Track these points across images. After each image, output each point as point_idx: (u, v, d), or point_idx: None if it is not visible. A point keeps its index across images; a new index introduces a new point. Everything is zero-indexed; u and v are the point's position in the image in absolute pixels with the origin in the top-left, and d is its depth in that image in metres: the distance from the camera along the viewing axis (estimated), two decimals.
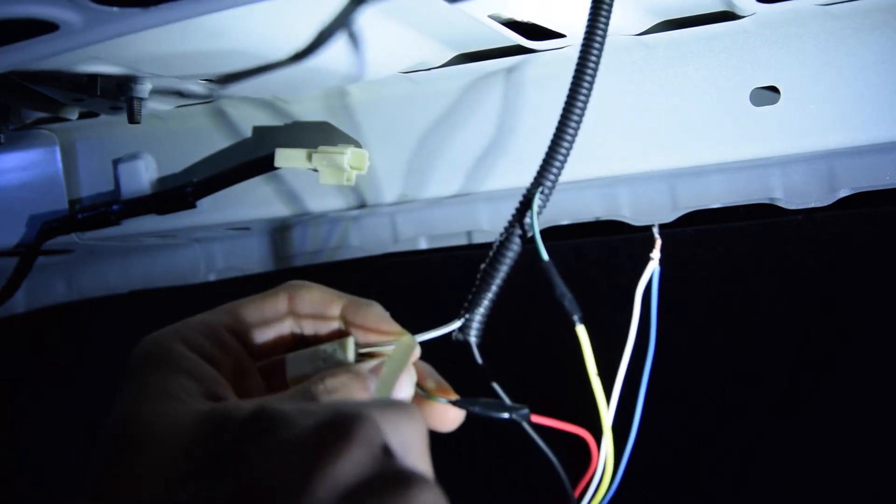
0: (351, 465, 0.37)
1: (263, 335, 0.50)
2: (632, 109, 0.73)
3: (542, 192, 0.50)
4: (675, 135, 0.73)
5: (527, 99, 0.75)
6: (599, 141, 0.74)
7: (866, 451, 0.94)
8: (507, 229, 0.50)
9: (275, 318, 0.50)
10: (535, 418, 0.46)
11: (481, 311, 0.49)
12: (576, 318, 0.46)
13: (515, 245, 0.49)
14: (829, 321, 0.96)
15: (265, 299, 0.50)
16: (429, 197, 0.80)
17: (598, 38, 0.50)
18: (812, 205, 0.81)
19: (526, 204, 0.50)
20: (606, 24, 0.50)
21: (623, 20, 0.68)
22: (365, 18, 0.64)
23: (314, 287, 0.51)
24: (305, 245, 1.01)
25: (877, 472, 0.94)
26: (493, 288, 0.49)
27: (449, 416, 0.48)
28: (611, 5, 0.50)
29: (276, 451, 0.38)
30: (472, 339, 0.48)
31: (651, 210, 0.87)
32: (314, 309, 0.50)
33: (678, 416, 0.98)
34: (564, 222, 0.91)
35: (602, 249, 1.01)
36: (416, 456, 0.41)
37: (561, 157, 0.50)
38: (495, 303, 0.49)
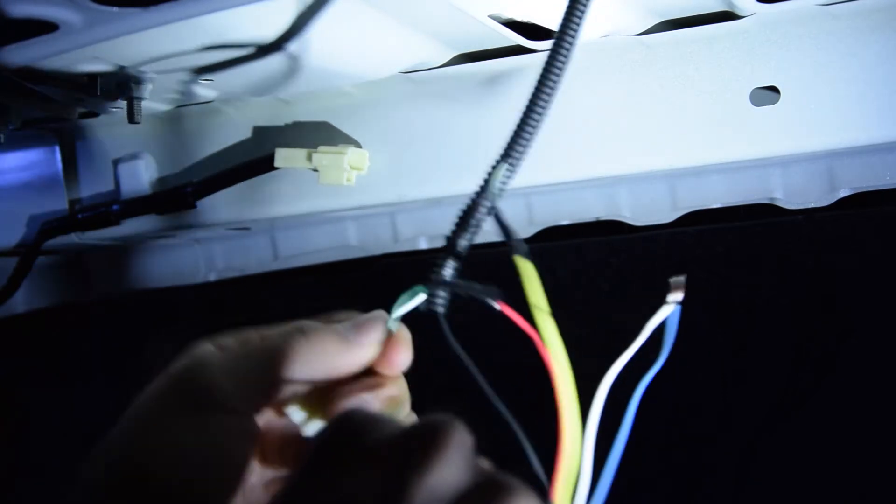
0: (449, 472, 0.35)
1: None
2: (632, 109, 0.73)
3: (509, 162, 0.50)
4: (675, 135, 0.72)
5: (526, 99, 0.75)
6: (599, 141, 0.74)
7: (866, 451, 0.94)
8: (472, 198, 0.50)
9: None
10: (504, 307, 0.45)
11: (447, 278, 0.48)
12: (522, 251, 0.46)
13: (480, 211, 0.49)
14: (829, 321, 0.96)
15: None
16: (429, 197, 0.80)
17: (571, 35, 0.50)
18: (812, 205, 0.81)
19: (492, 174, 0.50)
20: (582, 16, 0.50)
21: (623, 20, 0.68)
22: (365, 18, 0.64)
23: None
24: (305, 245, 1.01)
25: (877, 472, 0.94)
26: (459, 256, 0.49)
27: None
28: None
29: (370, 457, 0.36)
30: (441, 311, 0.48)
31: (651, 210, 0.87)
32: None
33: (678, 415, 0.98)
34: (564, 222, 0.91)
35: (602, 249, 1.01)
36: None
37: (531, 129, 0.50)
38: (462, 272, 0.49)
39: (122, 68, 0.67)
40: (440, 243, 0.98)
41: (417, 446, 0.36)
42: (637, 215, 0.87)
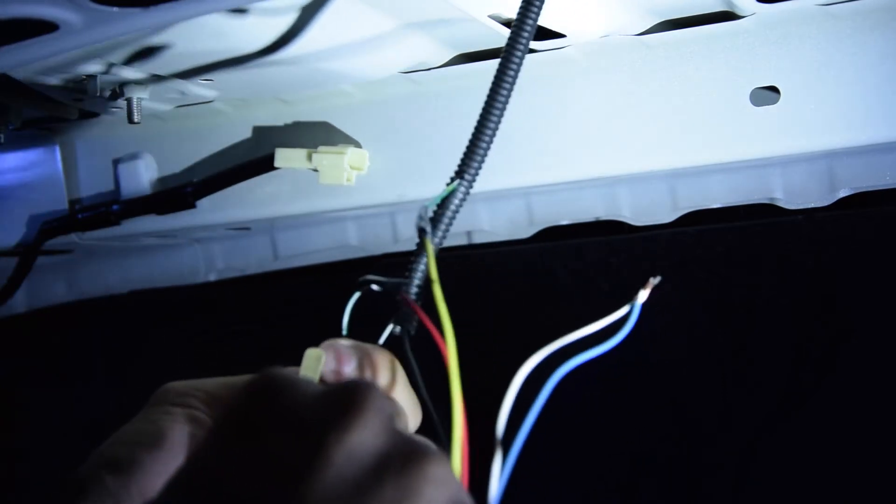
0: (368, 434, 0.35)
1: None
2: (632, 109, 0.73)
3: (461, 184, 0.50)
4: (675, 135, 0.73)
5: (526, 99, 0.75)
6: (599, 141, 0.74)
7: (866, 451, 0.94)
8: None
9: None
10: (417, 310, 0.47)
11: (412, 297, 0.49)
12: (423, 227, 0.48)
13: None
14: (829, 321, 0.96)
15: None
16: (429, 197, 0.80)
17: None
18: (812, 205, 0.81)
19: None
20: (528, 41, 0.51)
21: (623, 20, 0.68)
22: (365, 18, 0.64)
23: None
24: (305, 245, 1.01)
25: (877, 471, 0.94)
26: (416, 282, 0.50)
27: None
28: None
29: (287, 418, 0.36)
30: (407, 331, 0.48)
31: (651, 210, 0.87)
32: None
33: (678, 415, 0.98)
34: (564, 222, 0.91)
35: (602, 249, 1.01)
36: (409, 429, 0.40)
37: (481, 150, 0.51)
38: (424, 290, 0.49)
39: (121, 68, 0.67)
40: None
41: (337, 409, 0.35)
42: (637, 215, 0.87)
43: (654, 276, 0.49)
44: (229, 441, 0.36)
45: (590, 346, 0.45)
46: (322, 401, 0.36)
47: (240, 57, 0.67)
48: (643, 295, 0.47)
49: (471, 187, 0.51)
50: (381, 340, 0.49)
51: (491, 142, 0.51)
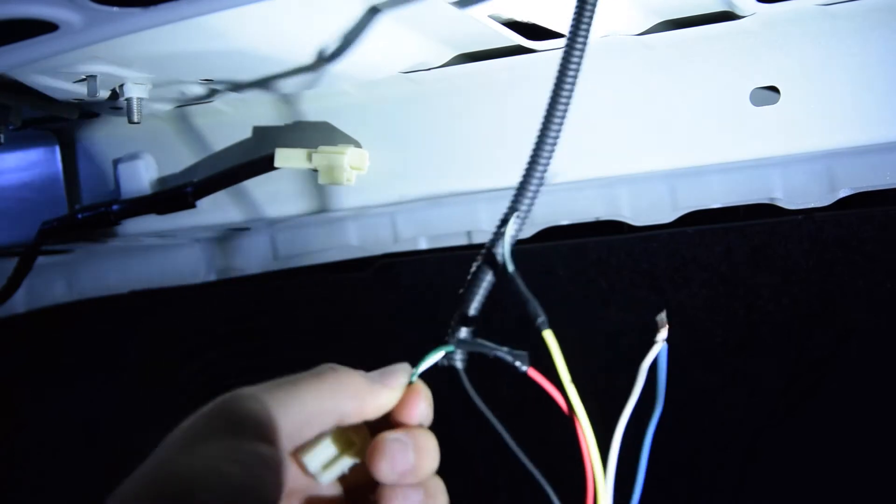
0: None
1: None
2: (632, 109, 0.73)
3: (517, 216, 0.50)
4: (675, 135, 0.72)
5: (526, 99, 0.75)
6: (599, 141, 0.74)
7: (866, 451, 0.94)
8: (483, 253, 0.50)
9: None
10: (533, 372, 0.46)
11: (464, 335, 0.49)
12: (540, 321, 0.46)
13: (489, 275, 0.50)
14: (829, 321, 0.96)
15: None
16: (429, 197, 0.80)
17: (580, 44, 0.49)
18: (812, 205, 0.81)
19: (501, 227, 0.50)
20: (588, 30, 0.50)
21: (623, 20, 0.68)
22: (365, 18, 0.64)
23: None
24: (305, 245, 1.01)
25: (877, 471, 0.94)
26: (473, 310, 0.49)
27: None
28: (593, 11, 0.50)
29: None
30: (459, 365, 0.48)
31: (651, 210, 0.87)
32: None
33: (678, 416, 0.98)
34: (564, 222, 0.91)
35: (602, 249, 1.01)
36: None
37: (536, 181, 0.50)
38: (481, 325, 0.49)
39: (121, 68, 0.67)
40: (440, 243, 0.98)
41: None
42: (637, 215, 0.87)
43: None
44: None
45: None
46: None
47: (239, 58, 0.67)
48: (664, 333, 0.48)
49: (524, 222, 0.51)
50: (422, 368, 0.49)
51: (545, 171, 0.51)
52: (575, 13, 0.48)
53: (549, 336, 0.45)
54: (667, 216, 0.86)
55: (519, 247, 0.50)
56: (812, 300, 0.96)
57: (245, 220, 0.87)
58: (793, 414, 0.97)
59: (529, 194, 0.50)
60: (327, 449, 0.48)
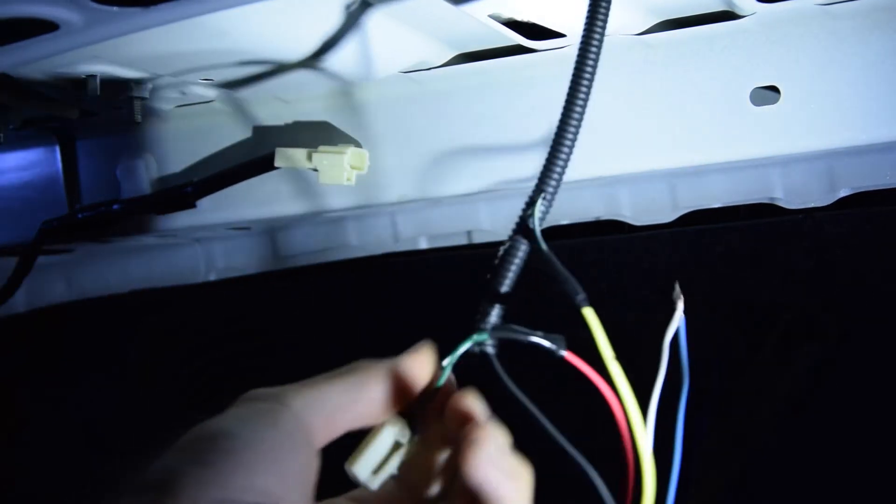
0: None
1: None
2: (632, 109, 0.73)
3: (543, 198, 0.49)
4: (675, 135, 0.73)
5: (527, 99, 0.75)
6: (599, 141, 0.74)
7: (866, 451, 0.94)
8: (510, 237, 0.49)
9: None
10: (570, 355, 0.44)
11: (494, 320, 0.47)
12: (580, 298, 0.45)
13: (521, 252, 0.49)
14: (830, 321, 0.96)
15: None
16: (429, 197, 0.80)
17: (596, 42, 0.49)
18: (812, 205, 0.81)
19: (528, 209, 0.49)
20: (604, 27, 0.50)
21: (623, 20, 0.68)
22: (365, 18, 0.64)
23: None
24: (305, 245, 1.01)
25: (877, 471, 0.94)
26: (507, 286, 0.48)
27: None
28: (608, 8, 0.50)
29: None
30: (491, 351, 0.47)
31: (651, 210, 0.87)
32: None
33: (677, 415, 0.98)
34: (564, 222, 0.91)
35: (602, 249, 1.01)
36: None
37: (562, 162, 0.50)
38: (508, 311, 0.48)
39: (121, 68, 0.67)
40: (440, 243, 0.98)
41: None
42: (637, 215, 0.87)
43: (675, 275, 0.50)
44: None
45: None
46: None
47: (240, 57, 0.67)
48: (680, 303, 0.48)
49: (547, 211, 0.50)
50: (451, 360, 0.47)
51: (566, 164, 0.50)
52: None
53: (589, 313, 0.44)
54: (667, 216, 0.86)
55: None
56: (812, 300, 0.96)
57: (245, 220, 0.87)
58: (793, 414, 0.97)
59: (555, 175, 0.50)
60: (374, 453, 0.46)
